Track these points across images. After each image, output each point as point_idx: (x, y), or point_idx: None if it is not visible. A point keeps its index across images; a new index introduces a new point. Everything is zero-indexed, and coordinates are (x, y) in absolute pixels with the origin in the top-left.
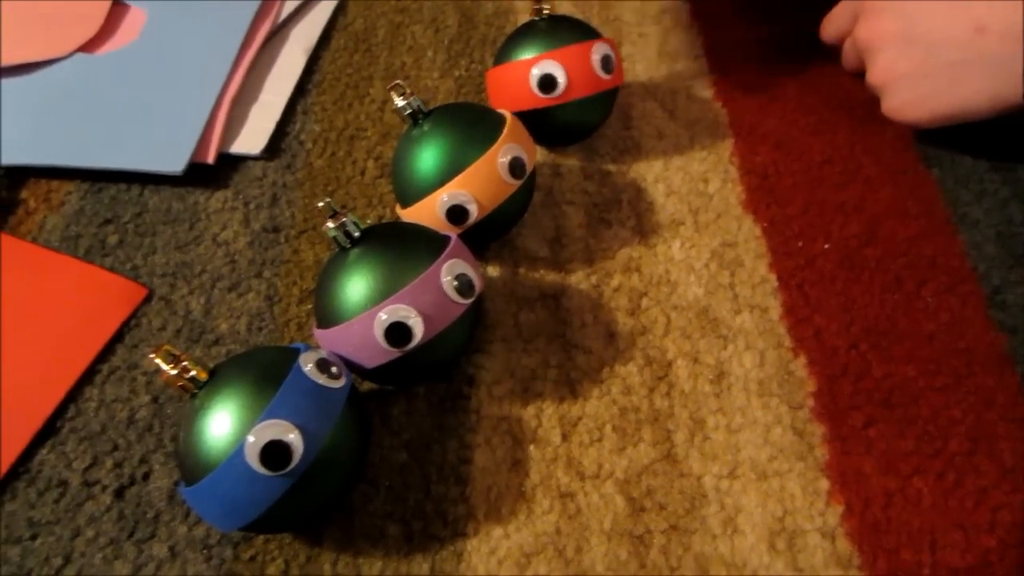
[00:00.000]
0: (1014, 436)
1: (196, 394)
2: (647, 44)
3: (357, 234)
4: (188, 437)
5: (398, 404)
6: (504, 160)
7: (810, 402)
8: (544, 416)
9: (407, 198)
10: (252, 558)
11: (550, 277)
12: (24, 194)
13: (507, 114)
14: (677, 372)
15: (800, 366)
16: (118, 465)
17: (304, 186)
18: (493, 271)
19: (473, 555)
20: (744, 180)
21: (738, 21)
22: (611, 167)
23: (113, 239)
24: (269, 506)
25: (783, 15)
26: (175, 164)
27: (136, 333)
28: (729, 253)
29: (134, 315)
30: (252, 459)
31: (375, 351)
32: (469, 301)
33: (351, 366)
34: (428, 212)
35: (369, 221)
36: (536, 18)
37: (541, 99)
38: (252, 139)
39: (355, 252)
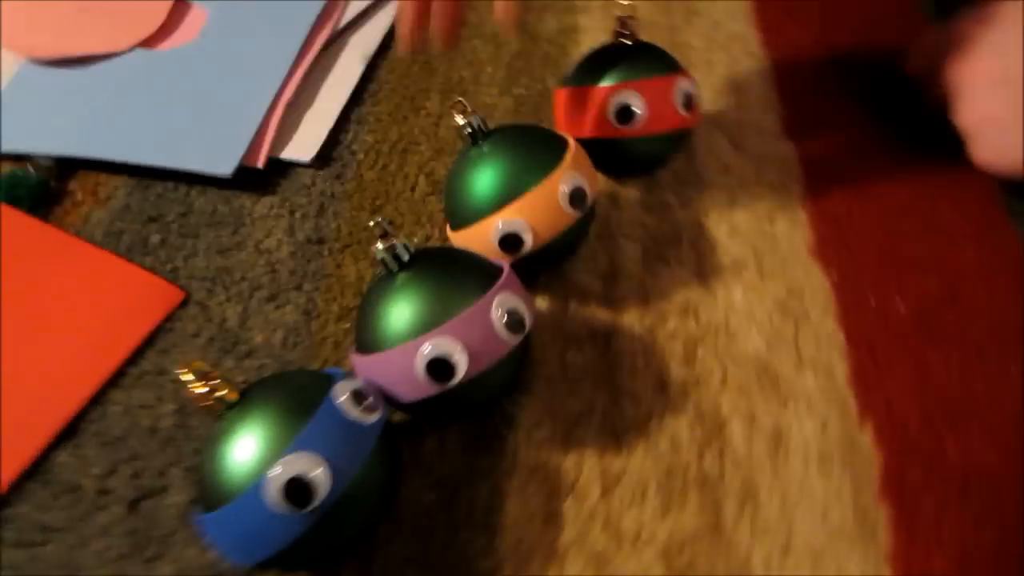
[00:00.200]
0: None
1: (224, 415)
2: (714, 72)
3: (406, 258)
4: (210, 461)
5: (430, 440)
6: (565, 189)
7: (875, 480)
8: (585, 467)
9: (459, 221)
10: None
11: (601, 315)
12: (73, 186)
13: (570, 139)
14: (731, 432)
15: (866, 438)
16: (136, 475)
17: (352, 198)
18: (541, 303)
19: None
20: (814, 224)
21: (811, 50)
22: (672, 200)
23: (156, 238)
24: (288, 543)
25: (861, 44)
26: (224, 166)
27: (169, 338)
28: (794, 303)
29: (169, 319)
30: (274, 494)
31: (414, 385)
32: (519, 338)
33: (386, 397)
34: (481, 238)
35: (416, 240)
36: (618, 42)
37: (616, 129)
38: (303, 146)
39: (403, 276)
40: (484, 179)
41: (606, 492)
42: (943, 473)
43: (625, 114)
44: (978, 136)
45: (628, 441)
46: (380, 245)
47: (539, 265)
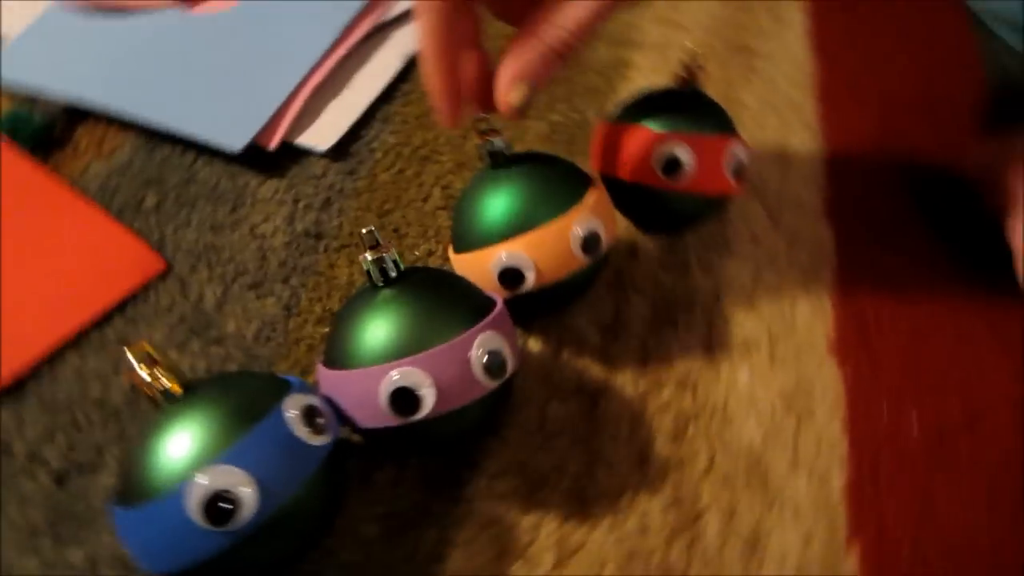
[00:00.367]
0: None
1: (163, 407)
2: (764, 135)
3: (394, 274)
4: (137, 454)
5: (386, 470)
6: (579, 231)
7: None
8: (542, 531)
9: (463, 243)
10: None
11: (594, 370)
12: (78, 135)
13: (595, 179)
14: (707, 524)
15: (851, 562)
16: (71, 447)
17: (361, 197)
18: (533, 345)
19: None
20: (838, 317)
21: (869, 134)
22: (693, 263)
23: (150, 202)
24: (202, 559)
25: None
26: (235, 142)
27: (140, 307)
28: (801, 398)
29: (145, 288)
30: (194, 506)
31: (374, 412)
32: (496, 383)
33: (344, 417)
34: (481, 265)
35: (417, 253)
36: (677, 87)
37: (657, 178)
38: (321, 135)
39: (386, 293)
40: (496, 204)
41: (559, 563)
42: None
43: (672, 166)
44: None
45: (594, 512)
46: (369, 255)
47: (538, 306)
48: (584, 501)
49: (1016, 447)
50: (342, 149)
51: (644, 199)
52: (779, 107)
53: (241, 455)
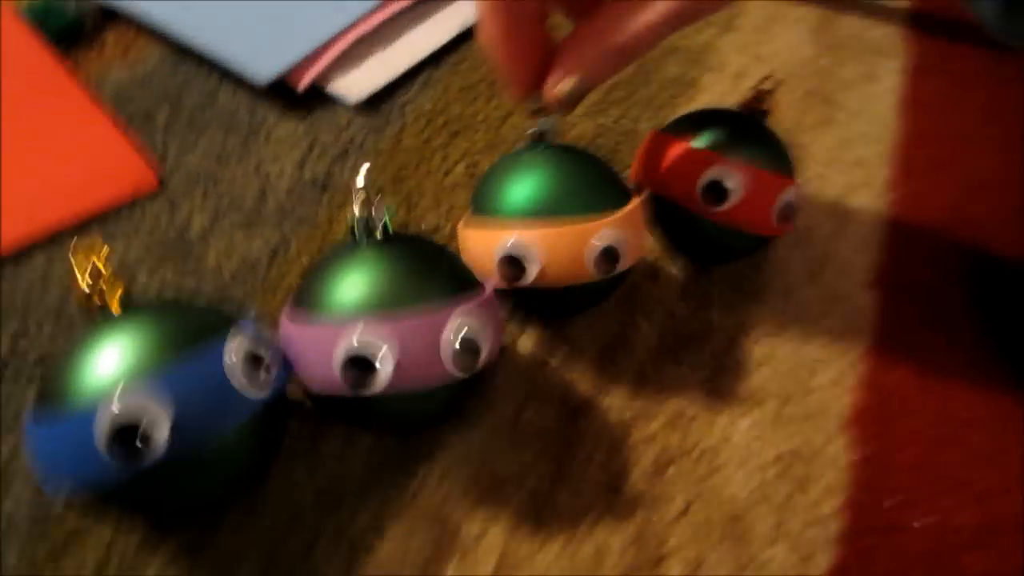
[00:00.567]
0: None
1: (97, 320)
2: (823, 188)
3: (379, 236)
4: (60, 363)
5: (331, 441)
6: (598, 243)
7: None
8: (485, 541)
9: (475, 219)
10: (71, 532)
11: (582, 385)
12: (108, 36)
13: (636, 197)
14: (666, 572)
15: None
16: (12, 351)
17: (380, 157)
18: (524, 343)
19: None
20: (860, 393)
21: (940, 213)
22: (716, 300)
23: (161, 118)
24: (104, 487)
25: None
26: (261, 73)
27: (123, 222)
28: (799, 468)
29: (133, 203)
30: (101, 432)
31: (326, 376)
32: (463, 373)
33: (295, 375)
34: (485, 245)
35: (423, 226)
36: (743, 112)
37: (698, 202)
38: (354, 86)
39: (364, 251)
40: (521, 185)
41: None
42: None
43: (715, 192)
44: None
45: (548, 532)
46: (356, 207)
47: (537, 305)
48: (539, 518)
49: None
50: (373, 105)
51: (678, 220)
52: (847, 164)
53: (162, 386)
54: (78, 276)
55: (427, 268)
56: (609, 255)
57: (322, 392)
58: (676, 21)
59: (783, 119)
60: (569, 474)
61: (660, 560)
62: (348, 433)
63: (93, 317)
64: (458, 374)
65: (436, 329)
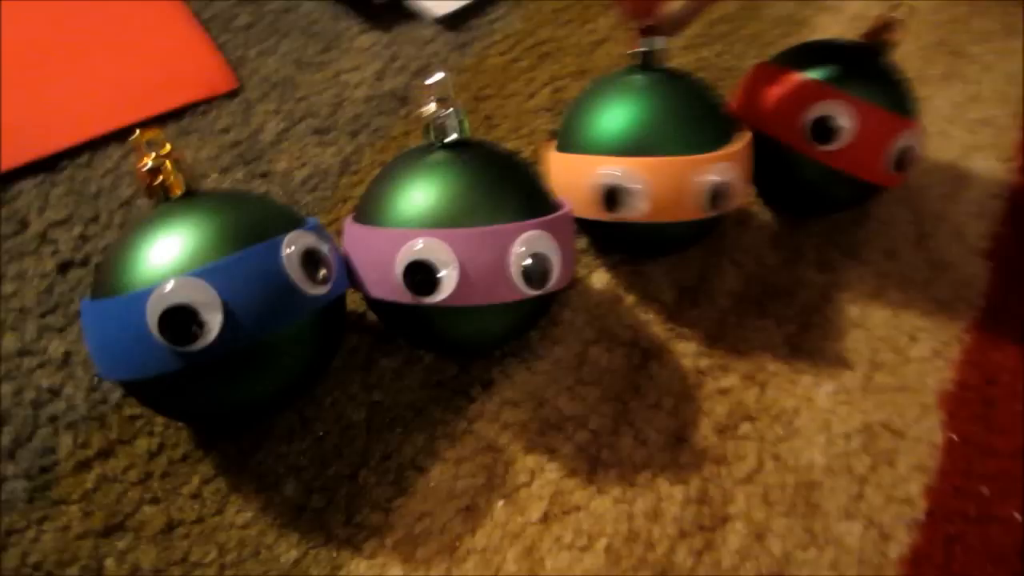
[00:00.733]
0: None
1: (159, 204)
2: (943, 144)
3: (454, 136)
4: (119, 246)
5: (391, 358)
6: (707, 179)
7: None
8: (539, 479)
9: (571, 142)
10: (132, 418)
11: (656, 328)
12: None
13: (745, 130)
14: (728, 536)
15: None
16: (84, 238)
17: (464, 75)
18: (597, 279)
19: None
20: (961, 369)
21: None
22: (811, 254)
23: (244, 19)
24: (155, 375)
25: None
26: None
27: (198, 121)
28: (885, 440)
29: (208, 102)
30: (152, 314)
31: (387, 281)
32: (530, 292)
33: (356, 281)
34: (583, 172)
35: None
36: (863, 43)
37: (803, 141)
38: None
39: (437, 156)
40: (629, 110)
41: (547, 518)
42: None
43: (824, 130)
44: None
45: (605, 479)
46: (432, 107)
47: (625, 241)
48: (596, 462)
49: None
50: (460, 21)
51: (777, 161)
52: (972, 122)
53: (218, 274)
54: (143, 152)
55: (501, 178)
56: (719, 191)
57: (382, 299)
58: None
59: (905, 68)
60: (633, 420)
61: (723, 521)
62: (408, 351)
63: (155, 201)
64: (526, 292)
65: (506, 242)
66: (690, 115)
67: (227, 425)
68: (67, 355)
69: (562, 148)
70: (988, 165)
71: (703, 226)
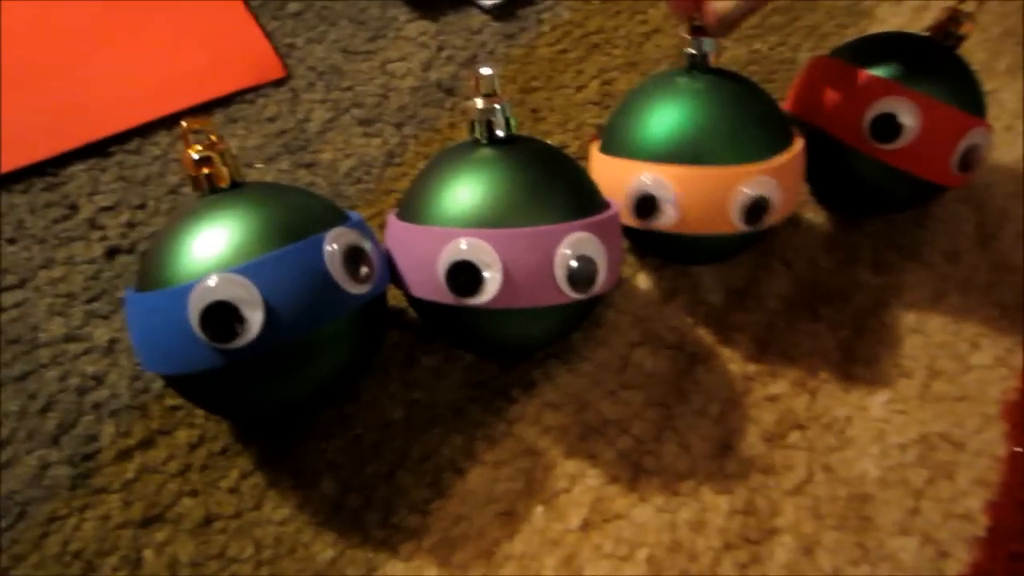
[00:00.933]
0: None
1: (204, 195)
2: (1012, 142)
3: (502, 133)
4: (162, 237)
5: (432, 356)
6: (747, 192)
7: None
8: (580, 485)
9: (612, 144)
10: (173, 408)
11: (701, 333)
12: None
13: (799, 139)
14: (775, 550)
15: None
16: (131, 224)
17: (512, 66)
18: (642, 282)
19: None
20: None
21: None
22: (866, 255)
23: (294, 7)
24: (196, 371)
25: None
26: None
27: (245, 108)
28: (944, 453)
29: (256, 89)
30: (194, 309)
31: (429, 281)
32: (577, 296)
33: (398, 279)
34: (619, 177)
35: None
36: (931, 38)
37: (863, 139)
38: None
39: (485, 152)
40: (667, 115)
41: (587, 527)
42: None
43: (885, 126)
44: None
45: (647, 487)
46: (480, 102)
47: (667, 248)
48: (639, 469)
49: None
50: (509, 10)
51: (835, 159)
52: None
53: (260, 271)
54: (190, 144)
55: (548, 176)
56: (757, 206)
57: (424, 298)
58: None
59: (970, 60)
60: (678, 426)
61: (770, 534)
62: (449, 348)
63: (201, 192)
64: (571, 295)
65: (551, 244)
66: (737, 122)
67: (265, 422)
68: (112, 342)
69: (604, 149)
70: None
71: (742, 240)
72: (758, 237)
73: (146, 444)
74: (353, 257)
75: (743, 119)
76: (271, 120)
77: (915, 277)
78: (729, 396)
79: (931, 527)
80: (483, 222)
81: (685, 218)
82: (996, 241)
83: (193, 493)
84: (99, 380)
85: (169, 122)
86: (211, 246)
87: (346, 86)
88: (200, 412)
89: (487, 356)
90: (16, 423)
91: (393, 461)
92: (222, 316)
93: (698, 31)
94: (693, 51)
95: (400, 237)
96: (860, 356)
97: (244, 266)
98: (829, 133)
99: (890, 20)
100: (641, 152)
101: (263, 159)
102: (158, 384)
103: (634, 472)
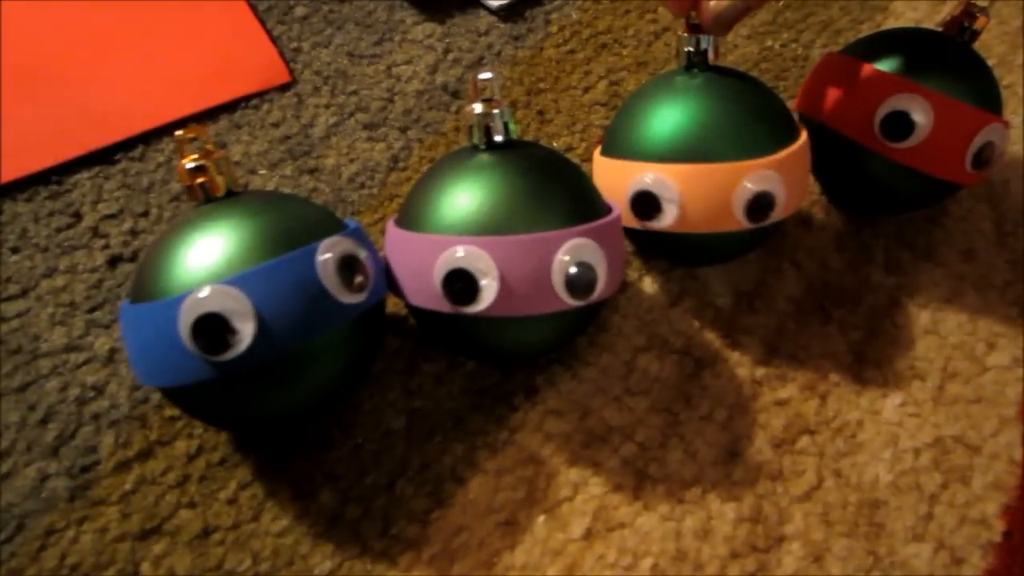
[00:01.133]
0: None
1: (199, 205)
2: None
3: (500, 138)
4: (156, 247)
5: (433, 364)
6: (749, 187)
7: None
8: (582, 493)
9: (613, 147)
10: (172, 419)
11: (708, 336)
12: None
13: (803, 134)
14: (783, 556)
15: None
16: (134, 232)
17: (519, 67)
18: (648, 285)
19: None
20: None
21: None
22: (878, 255)
23: (300, 11)
24: (189, 383)
25: None
26: None
27: (249, 114)
28: (959, 456)
29: (260, 95)
30: (185, 321)
31: (426, 289)
32: (575, 304)
33: (395, 289)
34: (619, 178)
35: (556, 144)
36: (944, 33)
37: (874, 137)
38: None
39: (483, 158)
40: (667, 115)
41: (590, 535)
42: None
43: (897, 125)
44: None
45: (652, 495)
46: (479, 107)
47: (668, 250)
48: (643, 477)
49: None
50: (516, 11)
51: (846, 157)
52: None
53: (252, 282)
54: (185, 153)
55: (547, 181)
56: (761, 202)
57: (421, 306)
58: None
59: (988, 54)
60: (684, 432)
61: (778, 542)
62: (450, 359)
63: (197, 201)
64: (570, 303)
65: (549, 251)
66: (737, 118)
67: (262, 432)
68: (112, 352)
69: (605, 152)
70: None
71: (748, 237)
72: (764, 235)
73: (145, 455)
74: (347, 266)
75: (743, 115)
76: (275, 125)
77: (929, 277)
78: (737, 401)
79: (945, 533)
80: (480, 229)
81: (688, 217)
82: (1013, 239)
83: (191, 505)
84: (99, 390)
85: (174, 128)
86: (204, 256)
87: (351, 90)
88: (199, 423)
89: (487, 363)
90: (16, 434)
91: (393, 470)
92: (213, 328)
93: (695, 29)
94: (690, 49)
95: (397, 245)
96: (872, 358)
97: (236, 277)
98: (840, 131)
99: (907, 15)
100: (642, 153)
101: (267, 165)
102: (157, 395)
103: (638, 480)
